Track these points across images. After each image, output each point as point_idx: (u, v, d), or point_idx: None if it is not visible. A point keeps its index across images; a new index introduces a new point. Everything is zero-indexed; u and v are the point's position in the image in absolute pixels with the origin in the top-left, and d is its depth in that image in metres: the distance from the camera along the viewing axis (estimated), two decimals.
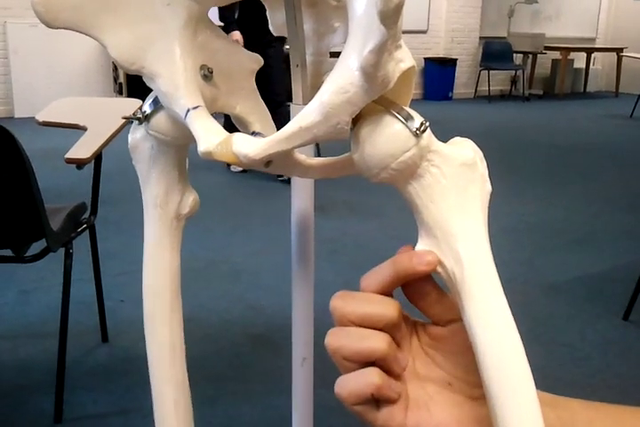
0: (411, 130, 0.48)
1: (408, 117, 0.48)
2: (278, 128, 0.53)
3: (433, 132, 0.52)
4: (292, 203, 0.70)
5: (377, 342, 0.41)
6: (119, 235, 3.25)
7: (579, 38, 10.55)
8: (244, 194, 4.27)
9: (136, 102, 2.03)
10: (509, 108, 8.82)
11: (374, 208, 3.90)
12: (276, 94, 4.07)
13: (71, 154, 1.80)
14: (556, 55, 9.93)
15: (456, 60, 9.28)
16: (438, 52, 9.50)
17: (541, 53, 9.72)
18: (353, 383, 0.41)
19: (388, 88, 0.49)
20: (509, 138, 6.37)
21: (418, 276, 0.45)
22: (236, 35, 4.37)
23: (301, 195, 0.71)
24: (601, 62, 10.95)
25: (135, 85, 6.46)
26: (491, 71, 9.25)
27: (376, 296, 0.44)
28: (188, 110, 0.60)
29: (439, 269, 0.50)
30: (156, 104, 0.65)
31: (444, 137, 0.54)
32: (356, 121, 0.54)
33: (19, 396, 1.97)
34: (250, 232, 3.51)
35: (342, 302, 0.43)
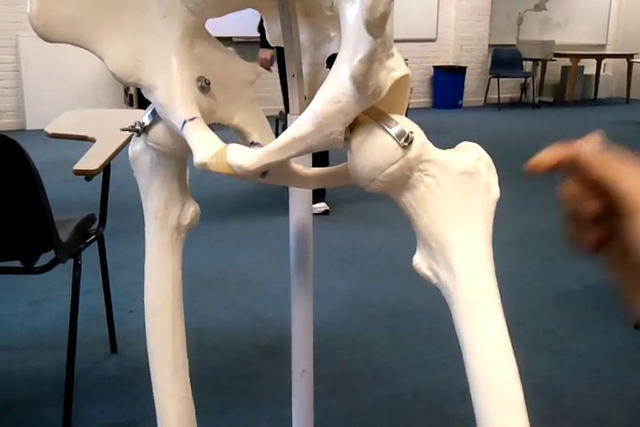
0: (398, 142, 0.48)
1: (396, 129, 0.48)
2: None
3: (442, 141, 0.51)
4: (290, 213, 0.70)
5: None
6: (128, 246, 3.26)
7: (589, 45, 10.51)
8: (254, 204, 4.27)
9: None
10: (519, 115, 8.80)
11: (383, 217, 3.89)
12: None
13: (80, 165, 1.81)
14: (566, 62, 9.89)
15: (465, 68, 9.27)
16: (447, 60, 9.49)
17: (551, 60, 9.68)
18: None
19: (380, 97, 0.49)
20: (519, 145, 6.34)
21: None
22: (266, 53, 3.96)
23: (299, 205, 0.71)
24: (611, 69, 10.90)
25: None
26: (500, 79, 9.23)
27: None
28: (185, 122, 0.60)
29: (435, 279, 0.50)
30: (154, 116, 0.66)
31: (453, 145, 0.54)
32: (352, 131, 0.54)
33: (28, 407, 1.97)
34: (259, 242, 3.51)
35: None
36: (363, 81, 0.44)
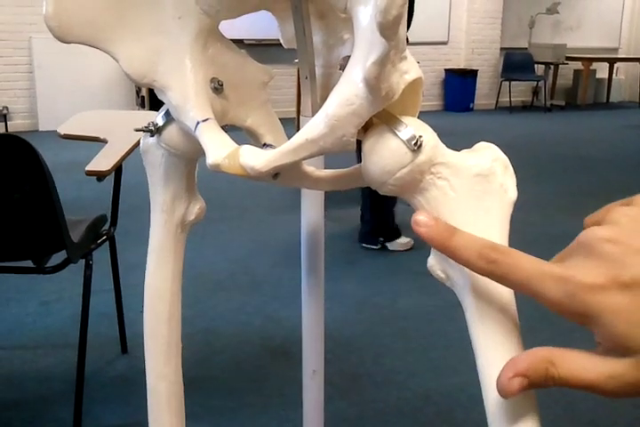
0: (408, 146, 0.48)
1: (406, 132, 0.48)
2: None
3: (453, 144, 0.51)
4: (301, 215, 0.71)
5: None
6: (140, 246, 3.26)
7: (601, 48, 10.47)
8: (266, 205, 4.28)
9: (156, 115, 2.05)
10: (531, 119, 8.77)
11: None
12: None
13: (92, 166, 1.82)
14: (578, 66, 9.86)
15: (477, 71, 9.25)
16: (459, 63, 9.48)
17: (563, 64, 9.65)
18: None
19: (393, 100, 0.49)
20: (531, 149, 6.32)
21: None
22: None
23: (311, 207, 0.71)
24: (624, 72, 10.85)
25: (157, 99, 6.51)
26: (512, 82, 9.21)
27: None
28: (198, 123, 0.60)
29: (448, 281, 0.50)
30: (168, 117, 0.66)
31: (464, 149, 0.54)
32: (366, 133, 0.54)
33: (38, 406, 1.99)
34: (271, 244, 3.52)
35: None
36: (376, 83, 0.44)
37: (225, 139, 0.58)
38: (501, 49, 9.65)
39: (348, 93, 0.48)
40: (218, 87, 0.64)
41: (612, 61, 10.24)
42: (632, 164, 5.80)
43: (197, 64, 0.61)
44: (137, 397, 2.04)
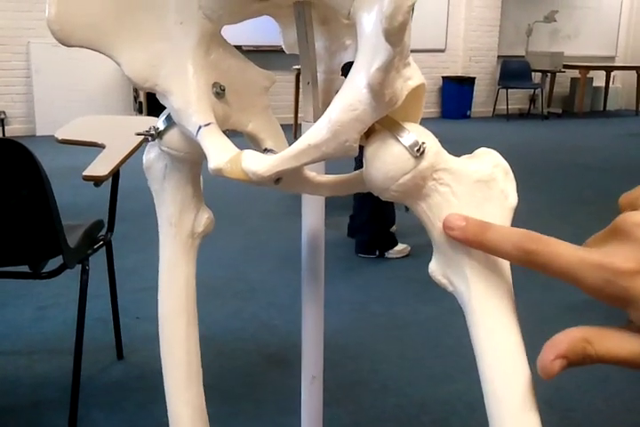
0: (410, 152, 0.47)
1: (409, 139, 0.48)
2: None
3: (450, 151, 0.51)
4: (302, 220, 0.70)
5: None
6: (136, 252, 3.27)
7: (598, 57, 10.51)
8: (261, 211, 4.27)
9: (154, 121, 2.05)
10: (528, 126, 8.79)
11: None
12: None
13: (89, 171, 1.82)
14: (575, 74, 9.89)
15: (474, 78, 9.28)
16: (456, 70, 9.51)
17: (560, 72, 9.69)
18: None
19: (396, 106, 0.49)
20: (528, 157, 6.34)
21: None
22: None
23: (312, 213, 0.71)
24: (621, 81, 10.90)
25: (155, 104, 6.51)
26: (509, 90, 9.24)
27: None
28: (200, 127, 0.60)
29: (450, 287, 0.50)
30: (169, 121, 0.66)
31: (461, 156, 0.54)
32: (368, 138, 0.54)
33: (33, 412, 1.97)
34: (266, 250, 3.51)
35: None
36: (379, 89, 0.44)
37: (227, 143, 0.58)
38: (499, 57, 9.69)
39: (351, 99, 0.48)
40: (220, 92, 0.64)
41: (608, 70, 10.28)
42: (629, 171, 5.82)
43: (199, 69, 0.61)
44: (132, 403, 2.03)
